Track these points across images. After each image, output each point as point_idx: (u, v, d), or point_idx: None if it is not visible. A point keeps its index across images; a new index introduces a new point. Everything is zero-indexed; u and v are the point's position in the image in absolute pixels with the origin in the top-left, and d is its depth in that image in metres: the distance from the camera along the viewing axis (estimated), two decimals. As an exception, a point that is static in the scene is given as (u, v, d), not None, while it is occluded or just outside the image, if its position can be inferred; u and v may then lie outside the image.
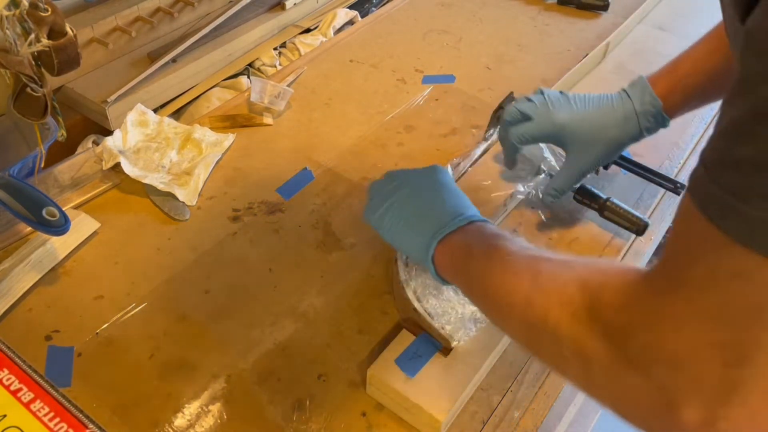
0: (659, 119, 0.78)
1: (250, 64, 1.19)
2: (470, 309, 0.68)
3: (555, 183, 0.82)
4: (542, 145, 0.88)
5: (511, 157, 0.83)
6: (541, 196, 0.86)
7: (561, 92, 0.81)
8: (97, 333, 0.70)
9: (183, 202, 0.84)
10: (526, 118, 0.80)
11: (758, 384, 0.34)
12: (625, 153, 0.90)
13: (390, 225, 0.66)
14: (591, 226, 0.86)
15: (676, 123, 1.03)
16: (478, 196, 0.87)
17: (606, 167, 0.89)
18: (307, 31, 1.29)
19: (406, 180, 0.69)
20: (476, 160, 0.93)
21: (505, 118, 0.81)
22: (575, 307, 0.44)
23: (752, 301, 0.34)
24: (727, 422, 0.35)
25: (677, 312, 0.37)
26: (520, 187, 0.88)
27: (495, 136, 0.91)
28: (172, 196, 0.84)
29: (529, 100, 0.81)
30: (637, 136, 0.79)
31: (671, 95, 0.77)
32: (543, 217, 0.87)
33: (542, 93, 0.81)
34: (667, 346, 0.37)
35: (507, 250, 0.55)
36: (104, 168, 0.87)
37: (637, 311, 0.40)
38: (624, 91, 0.79)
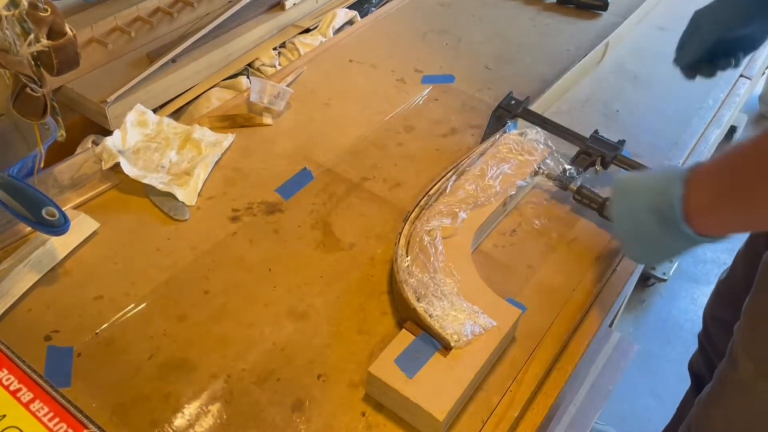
0: None
1: (250, 64, 1.19)
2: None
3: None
4: (541, 146, 0.88)
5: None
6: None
7: None
8: (96, 333, 0.70)
9: (182, 202, 0.84)
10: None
11: None
12: (624, 152, 0.90)
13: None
14: (591, 226, 0.86)
15: (676, 123, 1.04)
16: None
17: (605, 167, 0.89)
18: (307, 31, 1.29)
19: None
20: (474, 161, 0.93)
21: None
22: None
23: None
24: None
25: None
26: (521, 184, 0.88)
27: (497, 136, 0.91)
28: (171, 196, 0.84)
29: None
30: None
31: None
32: (543, 217, 0.87)
33: None
34: None
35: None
36: (104, 168, 0.87)
37: None
38: None
